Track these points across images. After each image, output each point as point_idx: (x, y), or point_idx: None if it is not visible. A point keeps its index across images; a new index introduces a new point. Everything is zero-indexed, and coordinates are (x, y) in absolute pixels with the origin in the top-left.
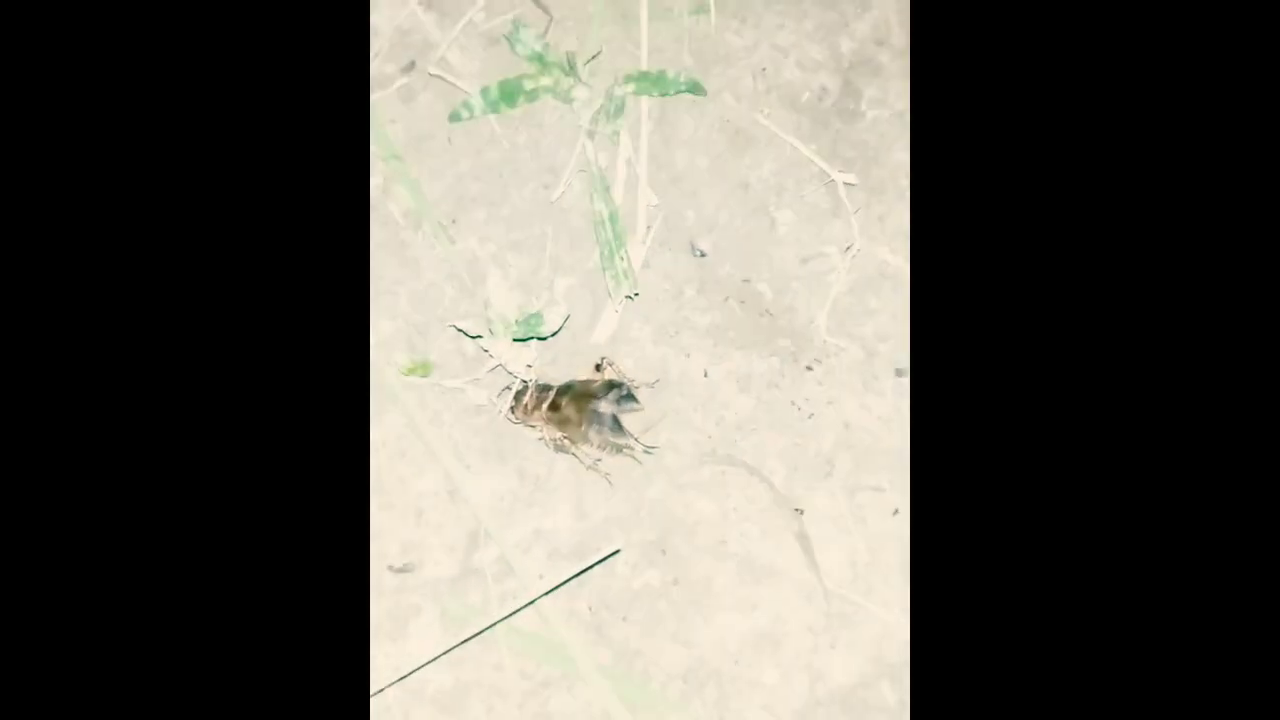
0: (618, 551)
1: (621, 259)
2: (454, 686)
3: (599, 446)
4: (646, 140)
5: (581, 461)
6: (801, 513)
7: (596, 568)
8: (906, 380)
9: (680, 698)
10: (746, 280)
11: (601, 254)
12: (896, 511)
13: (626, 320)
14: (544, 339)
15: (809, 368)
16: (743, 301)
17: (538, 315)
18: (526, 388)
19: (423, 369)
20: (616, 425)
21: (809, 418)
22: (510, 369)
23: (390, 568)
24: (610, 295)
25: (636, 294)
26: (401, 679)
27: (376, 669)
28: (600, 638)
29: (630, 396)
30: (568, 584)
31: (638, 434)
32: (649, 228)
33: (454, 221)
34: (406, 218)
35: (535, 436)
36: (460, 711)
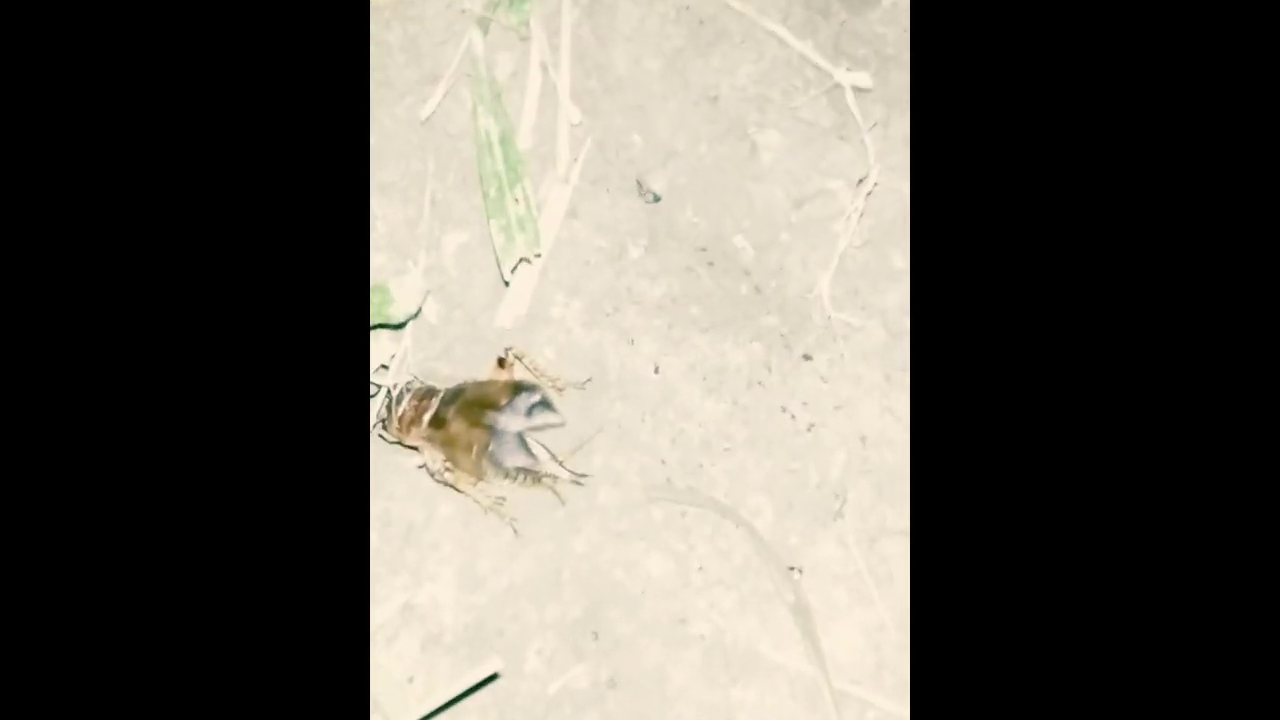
0: (495, 677)
1: (517, 201)
2: None
3: (502, 477)
4: (570, 35)
5: (476, 501)
6: (799, 573)
7: (488, 674)
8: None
9: None
10: (717, 232)
11: (485, 194)
12: None
13: (544, 293)
14: (396, 327)
15: (807, 357)
16: (711, 263)
17: (382, 291)
18: (400, 394)
19: None
20: (525, 447)
21: (807, 430)
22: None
23: None
24: (498, 257)
25: (538, 254)
26: None
27: None
28: None
29: (545, 405)
30: (455, 703)
31: (559, 458)
32: (575, 159)
33: None
34: None
35: (414, 465)
36: None
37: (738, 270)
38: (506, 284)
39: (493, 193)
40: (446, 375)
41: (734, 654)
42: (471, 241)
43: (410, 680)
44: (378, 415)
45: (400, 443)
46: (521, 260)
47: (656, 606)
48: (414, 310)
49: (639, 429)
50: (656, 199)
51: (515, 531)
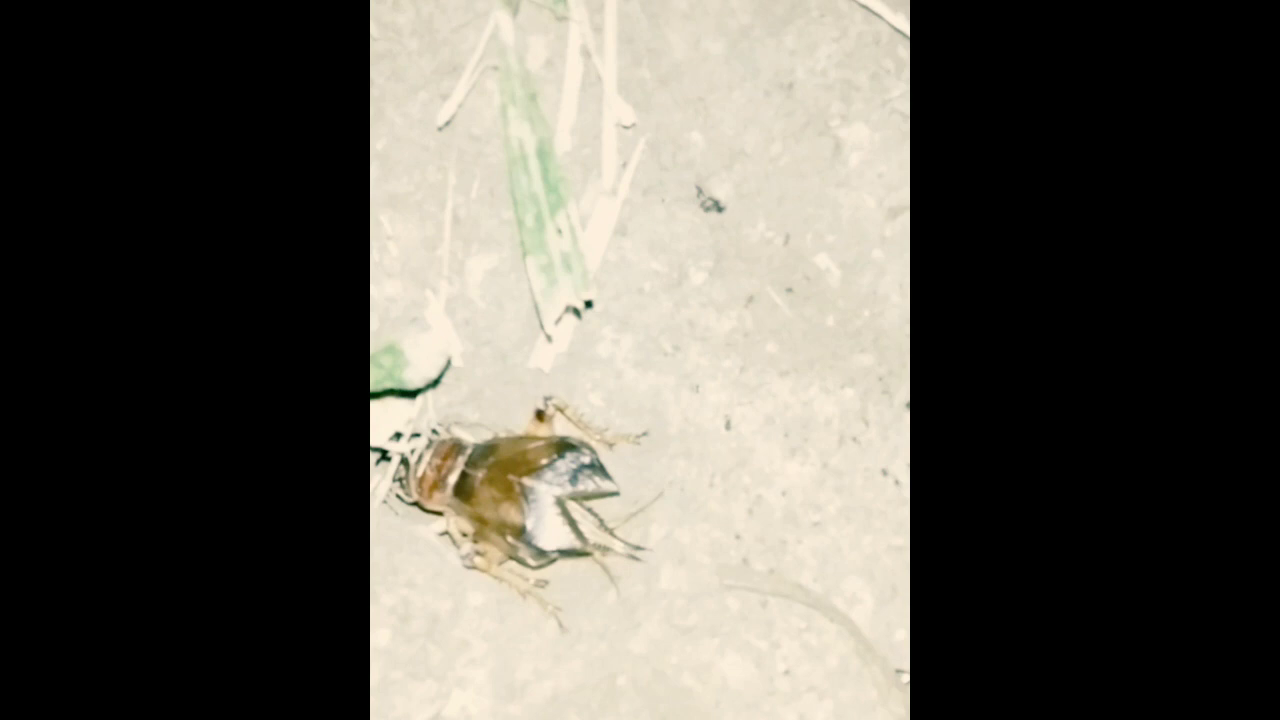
0: None
1: (560, 232)
2: None
3: (537, 559)
4: (616, 14)
5: (511, 586)
6: (908, 677)
7: None
8: None
9: None
10: (795, 251)
11: (520, 222)
12: None
13: (589, 327)
14: (410, 395)
15: (911, 406)
16: (789, 289)
17: (394, 353)
18: (419, 453)
19: None
20: (571, 523)
21: None
22: (370, 439)
23: None
24: (537, 305)
25: (589, 303)
26: None
27: None
28: None
29: (595, 468)
30: None
31: (614, 528)
32: (624, 164)
33: None
34: None
35: (434, 533)
36: None
37: (822, 298)
38: (549, 339)
39: (529, 221)
40: (474, 422)
41: None
42: (501, 266)
43: None
44: (393, 475)
45: (419, 505)
46: (568, 309)
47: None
48: (434, 375)
49: (707, 495)
50: (719, 208)
51: (561, 625)
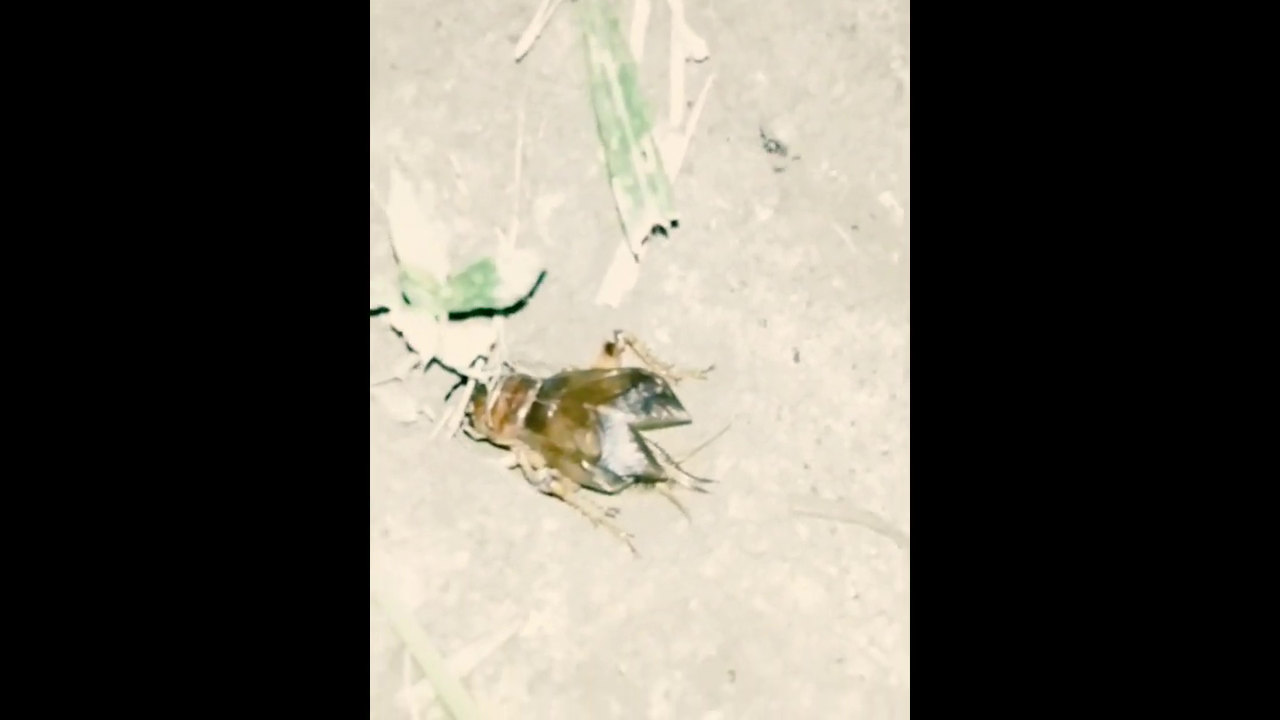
0: None
1: (645, 155)
2: None
3: (613, 484)
4: None
5: (584, 513)
6: None
7: (613, 705)
8: None
9: None
10: (860, 189)
11: (606, 145)
12: None
13: (655, 264)
14: (503, 313)
15: None
16: (855, 226)
17: (486, 269)
18: (490, 386)
19: None
20: (645, 449)
21: None
22: (450, 363)
23: None
24: (624, 225)
25: (675, 222)
26: None
27: None
28: None
29: (667, 397)
30: None
31: (680, 462)
32: (690, 103)
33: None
34: None
35: (506, 467)
36: None
37: (887, 235)
38: (636, 258)
39: (614, 144)
40: (538, 361)
41: (901, 698)
42: (569, 204)
43: None
44: (464, 409)
45: (490, 440)
46: (656, 229)
47: (806, 642)
48: (526, 291)
49: (775, 427)
50: (782, 150)
51: (634, 550)
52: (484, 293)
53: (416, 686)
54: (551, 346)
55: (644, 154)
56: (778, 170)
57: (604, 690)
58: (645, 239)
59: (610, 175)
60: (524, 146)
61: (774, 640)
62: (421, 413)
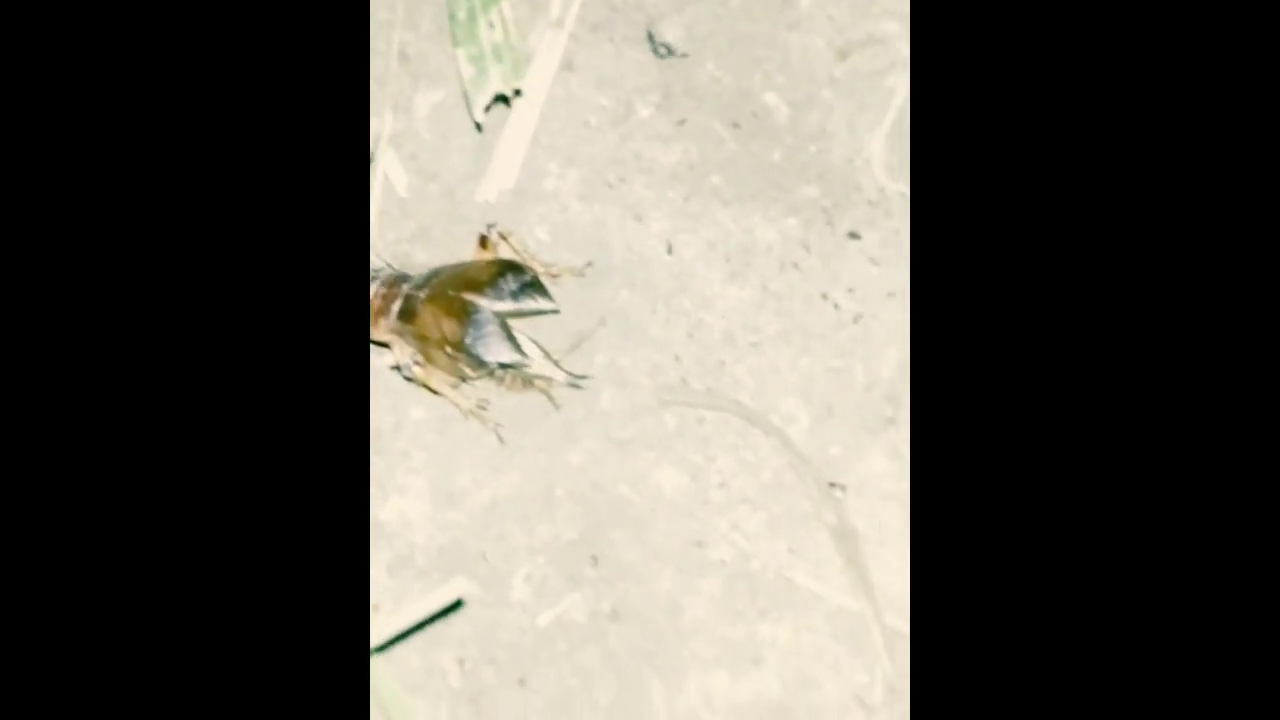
0: (459, 605)
1: (492, 25)
2: None
3: (483, 375)
4: None
5: (454, 404)
6: (841, 490)
7: (456, 610)
8: None
9: None
10: (744, 89)
11: (452, 17)
12: None
13: (535, 161)
14: None
15: (854, 235)
16: (736, 124)
17: None
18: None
19: None
20: (511, 339)
21: (854, 321)
22: None
23: None
24: (467, 93)
25: (518, 91)
26: None
27: None
28: (478, 715)
29: (536, 287)
30: (415, 632)
31: (554, 357)
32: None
33: None
34: None
35: (386, 365)
36: None
37: (769, 134)
38: (479, 127)
39: (461, 14)
40: (422, 262)
41: (762, 583)
42: (448, 101)
43: (375, 608)
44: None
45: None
46: (497, 98)
47: (669, 528)
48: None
49: (649, 321)
50: (671, 53)
51: (500, 440)
52: None
53: None
54: (434, 246)
55: (491, 24)
56: (661, 69)
57: (465, 573)
58: (488, 107)
59: (454, 43)
60: (403, 44)
61: (636, 525)
62: None
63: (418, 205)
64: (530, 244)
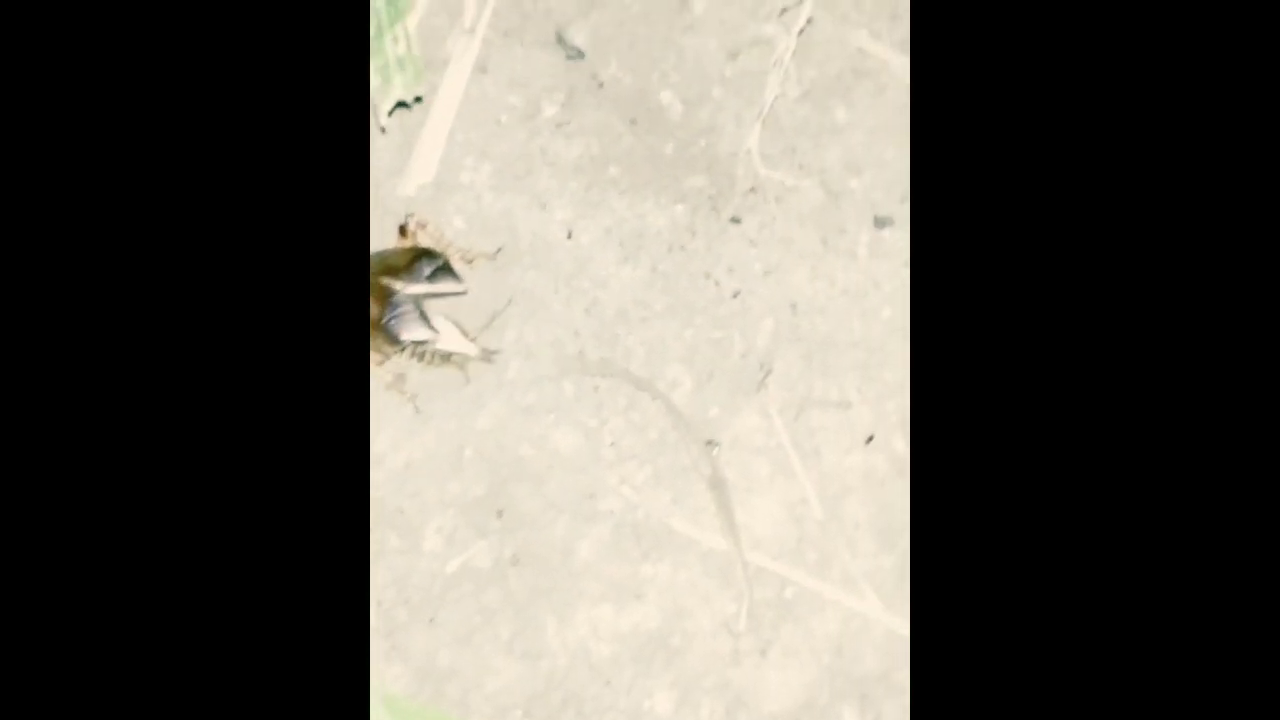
0: None
1: (396, 40)
2: None
3: (400, 353)
4: None
5: (375, 380)
6: (716, 446)
7: (392, 539)
8: (894, 234)
9: None
10: (642, 89)
11: (369, 35)
12: (871, 439)
13: (452, 157)
14: None
15: (735, 220)
16: (634, 121)
17: None
18: None
19: None
20: (425, 319)
21: (733, 297)
22: None
23: None
24: (373, 102)
25: (418, 98)
26: None
27: None
28: (394, 651)
29: (447, 270)
30: None
31: (470, 335)
32: (483, 6)
33: None
34: None
35: None
36: None
37: (663, 129)
38: (383, 130)
39: (372, 31)
40: None
41: (645, 529)
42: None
43: None
44: None
45: None
46: (399, 104)
47: (564, 482)
48: None
49: (552, 299)
50: (580, 55)
51: (416, 409)
52: None
53: None
54: None
55: (395, 39)
56: (567, 69)
57: (384, 526)
58: (391, 111)
59: (371, 52)
60: None
61: (536, 481)
62: None
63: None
64: (447, 232)
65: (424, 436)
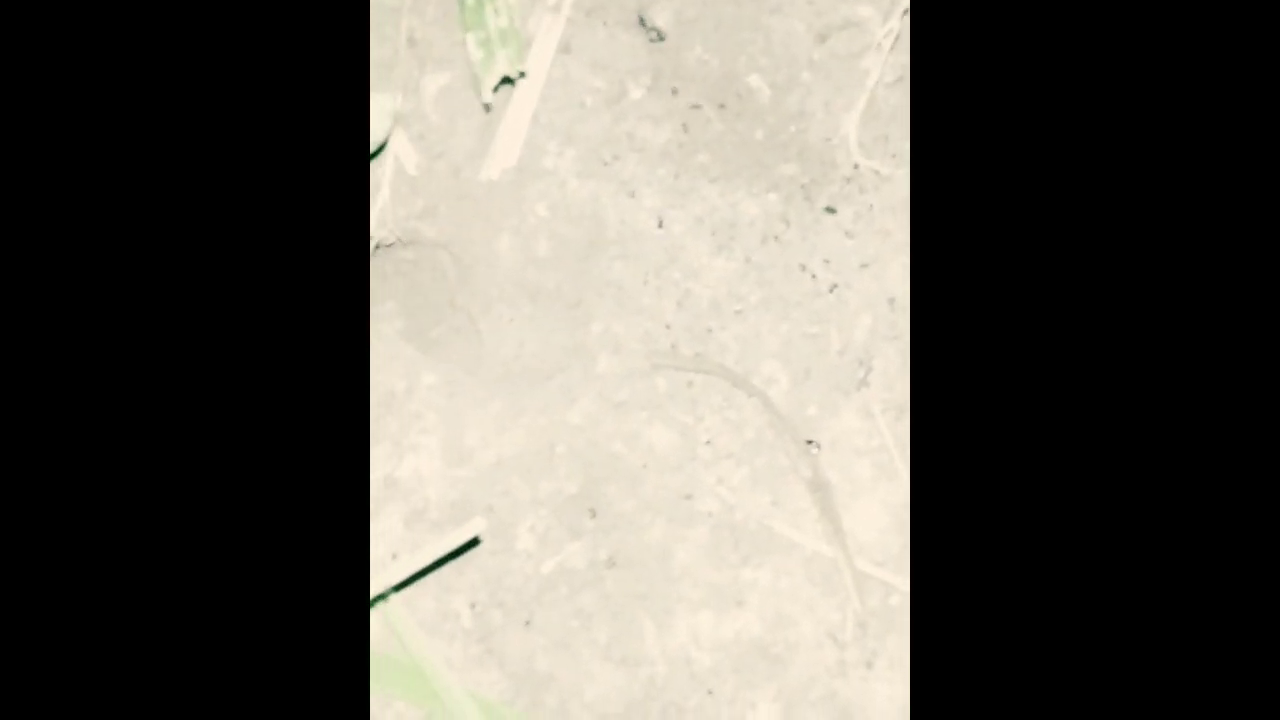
0: (476, 542)
1: (497, 12)
2: None
3: None
4: None
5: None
6: (817, 446)
7: (473, 548)
8: None
9: None
10: (729, 72)
11: (463, 5)
12: None
13: (535, 141)
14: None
15: (830, 209)
16: (722, 105)
17: None
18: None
19: None
20: None
21: (829, 291)
22: None
23: None
24: (476, 75)
25: (522, 73)
26: None
27: None
28: (489, 655)
29: None
30: (425, 575)
31: None
32: None
33: None
34: None
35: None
36: None
37: (752, 114)
38: (488, 108)
39: (470, 1)
40: (430, 238)
41: (744, 532)
42: (454, 83)
43: (394, 557)
44: None
45: None
46: (504, 80)
47: (659, 482)
48: (381, 138)
49: (641, 291)
50: (661, 37)
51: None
52: None
53: None
54: (443, 223)
55: (496, 11)
56: (651, 52)
57: (469, 530)
58: (496, 87)
59: (464, 31)
60: (411, 29)
61: (630, 480)
62: None
63: (426, 183)
64: (531, 219)
65: (514, 432)
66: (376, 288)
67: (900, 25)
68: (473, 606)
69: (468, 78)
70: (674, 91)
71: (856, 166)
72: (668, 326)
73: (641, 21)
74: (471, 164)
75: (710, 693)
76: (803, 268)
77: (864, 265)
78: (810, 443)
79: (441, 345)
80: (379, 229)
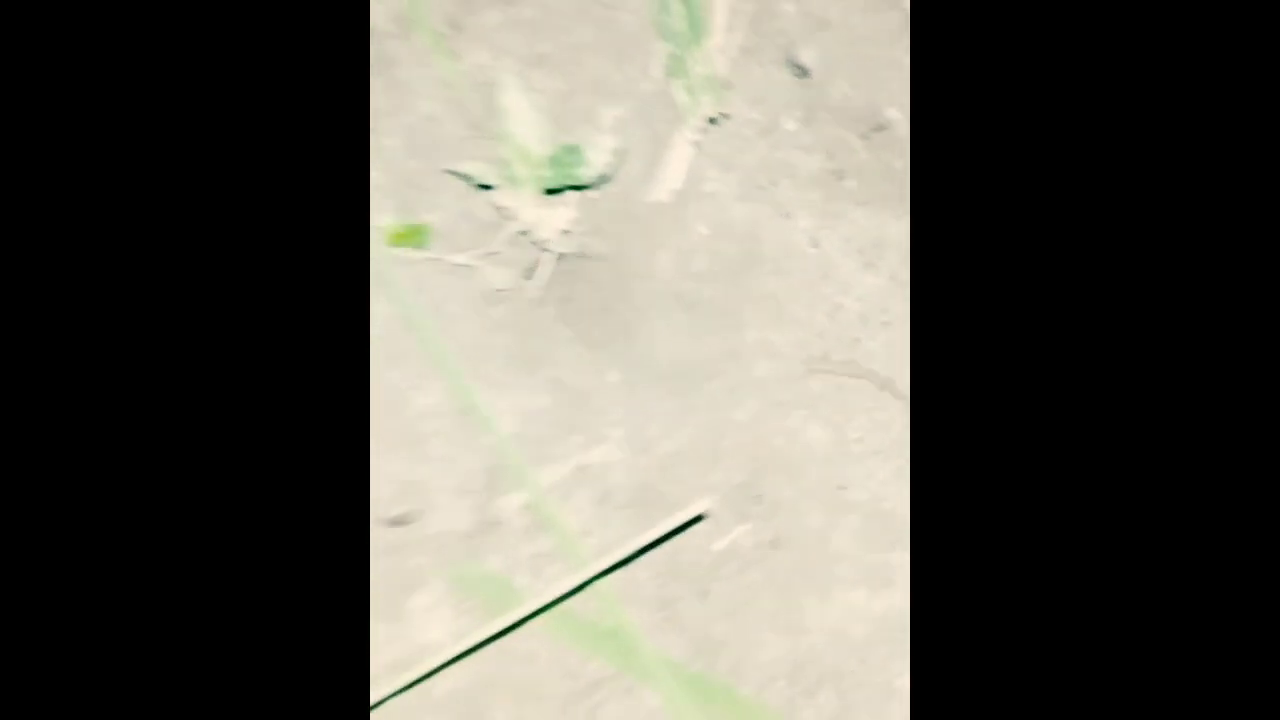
0: (701, 518)
1: (699, 60)
2: (471, 686)
3: None
4: None
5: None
6: None
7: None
8: None
9: (784, 707)
10: (871, 104)
11: (672, 55)
12: None
13: (698, 167)
14: (586, 188)
15: None
16: (865, 136)
17: (574, 151)
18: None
19: (416, 236)
20: None
21: None
22: (538, 236)
23: (381, 519)
24: (684, 116)
25: (726, 114)
26: (406, 689)
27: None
28: (669, 622)
29: None
30: (661, 543)
31: None
32: (728, 28)
33: (456, 28)
34: (395, 24)
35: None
36: None
37: (893, 144)
38: (697, 145)
39: (676, 51)
40: (599, 253)
41: (892, 521)
42: (626, 115)
43: (586, 535)
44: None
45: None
46: (708, 121)
47: (817, 474)
48: (608, 169)
49: (795, 304)
50: (805, 71)
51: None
52: (571, 170)
53: (509, 496)
54: (611, 239)
55: (697, 60)
56: (801, 87)
57: (654, 508)
58: (697, 129)
59: (669, 74)
60: (593, 66)
61: (790, 472)
62: (512, 280)
63: (599, 203)
64: (692, 239)
65: (687, 427)
66: (557, 293)
67: None
68: (653, 577)
69: (638, 110)
70: (819, 135)
71: None
72: (820, 335)
73: (788, 61)
74: (641, 187)
75: (863, 660)
76: None
77: None
78: None
79: (609, 347)
80: (562, 241)
